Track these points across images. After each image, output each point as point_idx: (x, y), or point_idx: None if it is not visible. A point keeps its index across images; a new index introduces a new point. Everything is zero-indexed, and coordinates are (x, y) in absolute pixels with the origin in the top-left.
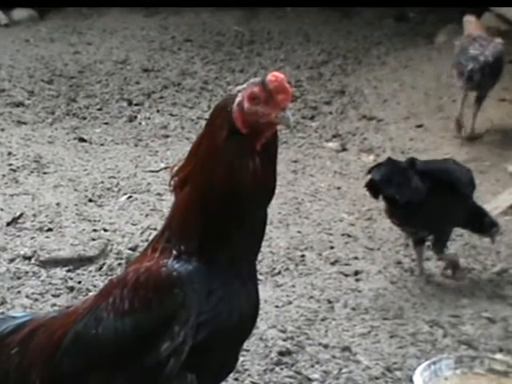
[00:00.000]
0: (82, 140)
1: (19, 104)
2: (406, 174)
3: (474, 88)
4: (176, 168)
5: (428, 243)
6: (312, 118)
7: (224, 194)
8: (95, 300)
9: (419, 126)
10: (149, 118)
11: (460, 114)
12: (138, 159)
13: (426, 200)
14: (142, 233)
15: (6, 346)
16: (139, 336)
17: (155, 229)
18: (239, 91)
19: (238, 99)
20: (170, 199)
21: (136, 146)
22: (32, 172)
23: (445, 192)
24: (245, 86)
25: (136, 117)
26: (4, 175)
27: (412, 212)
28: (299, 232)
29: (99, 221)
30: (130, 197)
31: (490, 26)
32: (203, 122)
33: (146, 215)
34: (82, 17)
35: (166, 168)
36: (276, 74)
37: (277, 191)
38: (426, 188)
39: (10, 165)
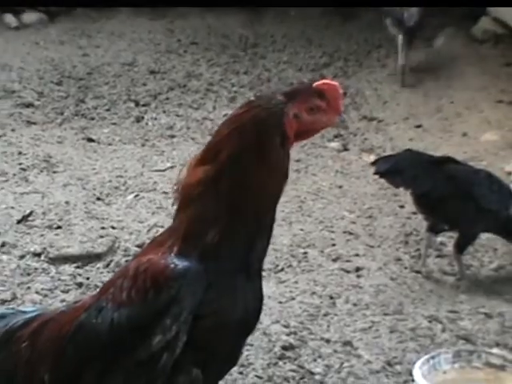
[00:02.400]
0: (90, 140)
1: (29, 105)
2: (421, 167)
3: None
4: (187, 170)
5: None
6: None
7: (258, 196)
8: (100, 292)
9: (418, 127)
10: (155, 119)
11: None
12: (144, 159)
13: (450, 197)
14: (148, 230)
15: (16, 340)
16: (132, 328)
17: (162, 226)
18: (287, 101)
19: (292, 111)
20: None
21: (143, 145)
22: (42, 171)
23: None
24: (286, 93)
25: (143, 117)
26: (14, 174)
27: (434, 204)
28: (302, 230)
29: (107, 219)
30: (137, 195)
31: (487, 29)
32: (208, 123)
33: (153, 213)
34: (91, 20)
35: (171, 167)
36: (328, 81)
37: None
38: (447, 187)
39: (20, 164)
